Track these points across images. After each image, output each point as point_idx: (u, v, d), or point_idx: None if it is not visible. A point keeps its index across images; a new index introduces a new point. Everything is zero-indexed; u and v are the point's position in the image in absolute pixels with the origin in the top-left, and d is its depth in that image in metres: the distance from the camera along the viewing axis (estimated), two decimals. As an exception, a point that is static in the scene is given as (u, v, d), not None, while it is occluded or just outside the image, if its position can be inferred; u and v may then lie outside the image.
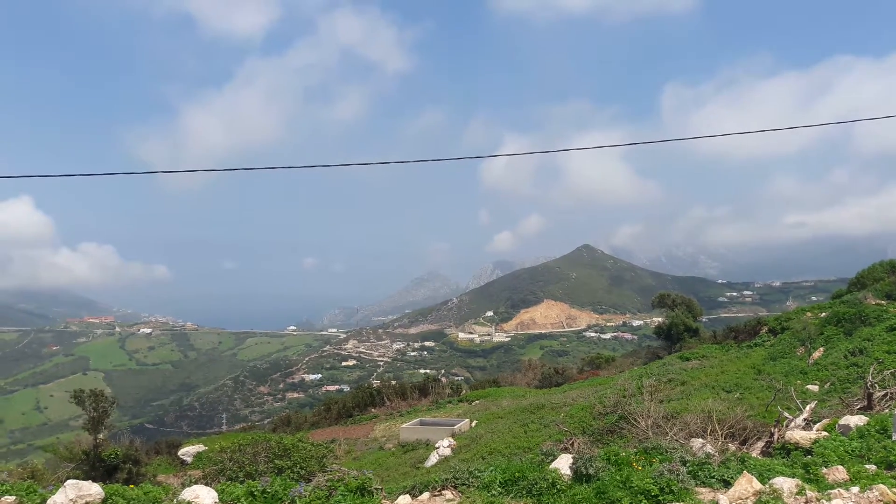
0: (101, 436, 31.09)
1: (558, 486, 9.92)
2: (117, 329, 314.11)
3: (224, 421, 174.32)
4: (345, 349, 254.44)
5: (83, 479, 9.77)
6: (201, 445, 41.51)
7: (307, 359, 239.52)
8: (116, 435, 45.73)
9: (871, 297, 40.11)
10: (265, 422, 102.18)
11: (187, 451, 40.73)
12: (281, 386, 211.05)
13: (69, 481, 9.55)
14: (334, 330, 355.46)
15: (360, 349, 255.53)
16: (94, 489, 9.45)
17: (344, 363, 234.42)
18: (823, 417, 13.64)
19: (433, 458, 31.39)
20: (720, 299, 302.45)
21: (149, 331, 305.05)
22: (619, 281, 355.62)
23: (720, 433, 14.57)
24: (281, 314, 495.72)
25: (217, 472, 19.46)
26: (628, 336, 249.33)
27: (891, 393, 14.06)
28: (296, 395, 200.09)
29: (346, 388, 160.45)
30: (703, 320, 76.22)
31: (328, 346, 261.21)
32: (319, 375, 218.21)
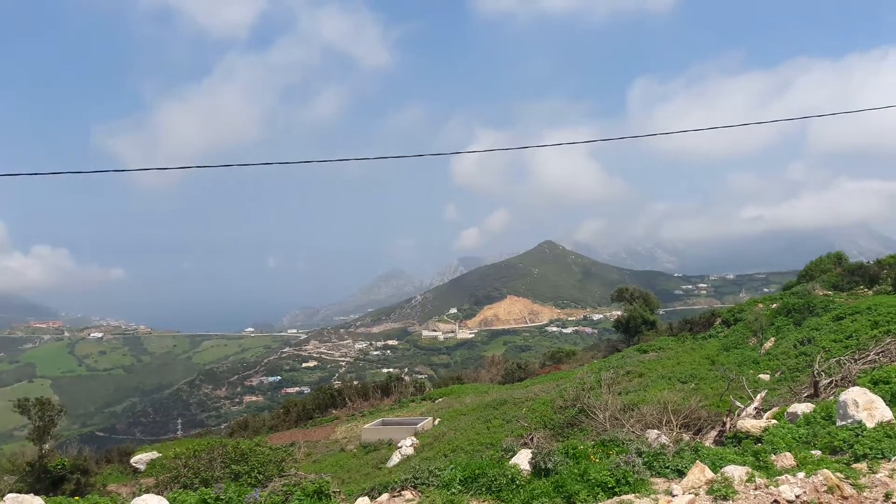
0: (46, 446, 30.33)
1: (517, 482, 10.01)
2: (66, 334, 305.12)
3: (179, 426, 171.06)
4: (305, 350, 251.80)
5: (26, 493, 9.49)
6: (155, 452, 40.68)
7: (266, 361, 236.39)
8: (64, 444, 44.59)
9: (819, 289, 41.33)
10: (222, 426, 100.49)
11: (140, 459, 39.88)
12: (238, 389, 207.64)
13: (9, 495, 9.24)
14: (294, 331, 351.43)
15: (321, 350, 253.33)
16: (36, 502, 9.21)
17: (304, 364, 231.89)
18: (773, 406, 14.01)
19: (395, 458, 31.38)
20: (677, 292, 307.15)
21: (100, 335, 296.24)
22: (580, 276, 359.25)
23: (675, 424, 14.86)
24: (239, 315, 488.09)
25: (171, 480, 19.14)
26: (589, 330, 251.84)
27: (836, 380, 14.50)
28: (254, 398, 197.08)
29: (307, 389, 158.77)
30: (661, 313, 77.54)
31: (288, 348, 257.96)
32: (279, 378, 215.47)
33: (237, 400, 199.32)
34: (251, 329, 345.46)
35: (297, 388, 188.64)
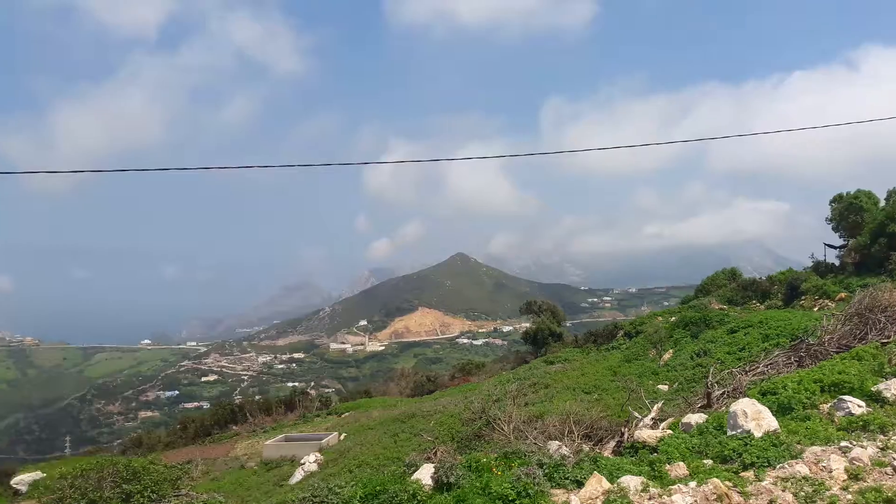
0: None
1: (419, 498, 9.89)
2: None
3: (67, 444, 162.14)
4: (205, 364, 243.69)
5: None
6: (39, 472, 38.25)
7: (163, 374, 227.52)
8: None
9: (714, 302, 43.25)
10: (115, 444, 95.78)
11: (22, 480, 37.35)
12: (133, 404, 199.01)
13: None
14: (194, 343, 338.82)
15: (223, 363, 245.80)
16: None
17: (204, 379, 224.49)
18: (669, 416, 14.46)
19: (298, 475, 30.63)
20: (583, 305, 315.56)
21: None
22: (491, 288, 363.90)
23: (577, 434, 15.11)
24: (135, 327, 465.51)
25: (55, 502, 17.95)
26: (499, 342, 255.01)
27: (728, 392, 15.12)
28: (150, 413, 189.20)
29: (206, 405, 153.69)
30: (567, 325, 79.34)
31: (187, 361, 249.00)
32: (176, 392, 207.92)
33: (132, 416, 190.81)
34: (148, 341, 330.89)
35: (195, 403, 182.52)
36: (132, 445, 53.34)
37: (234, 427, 50.61)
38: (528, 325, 67.04)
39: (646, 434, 11.60)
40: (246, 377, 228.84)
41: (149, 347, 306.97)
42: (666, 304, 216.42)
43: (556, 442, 13.34)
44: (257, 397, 67.12)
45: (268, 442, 39.54)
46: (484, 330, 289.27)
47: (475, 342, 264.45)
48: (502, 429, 18.68)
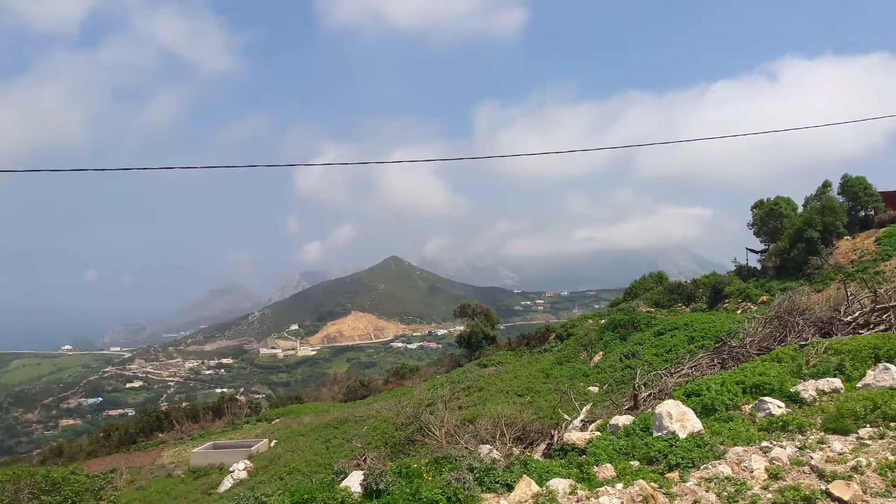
0: None
1: (348, 505, 9.71)
2: None
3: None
4: (129, 370, 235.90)
5: None
6: (-50, 486, 36.28)
7: (85, 381, 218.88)
8: None
9: (642, 305, 44.31)
10: (34, 453, 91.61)
11: (-67, 495, 35.40)
12: (54, 412, 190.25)
13: None
14: (117, 348, 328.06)
15: (148, 369, 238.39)
16: None
17: (128, 385, 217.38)
18: (598, 418, 14.67)
19: (227, 483, 30.00)
20: (516, 308, 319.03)
21: None
22: (426, 292, 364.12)
23: (508, 437, 15.16)
24: (55, 332, 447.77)
25: (-32, 516, 17.05)
26: (433, 345, 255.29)
27: (654, 393, 15.45)
28: (72, 421, 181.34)
29: (131, 412, 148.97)
30: (501, 328, 79.96)
31: (110, 367, 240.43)
32: (100, 399, 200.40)
33: (52, 424, 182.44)
34: (69, 347, 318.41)
35: (120, 411, 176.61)
36: (52, 455, 51.27)
37: (160, 434, 49.29)
38: (462, 328, 67.22)
39: (575, 436, 11.70)
40: (172, 383, 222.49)
41: (70, 353, 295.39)
42: (597, 306, 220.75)
43: (488, 446, 13.33)
44: (184, 404, 65.26)
45: (195, 449, 38.54)
46: (418, 333, 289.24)
47: (409, 346, 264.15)
48: (434, 433, 18.61)
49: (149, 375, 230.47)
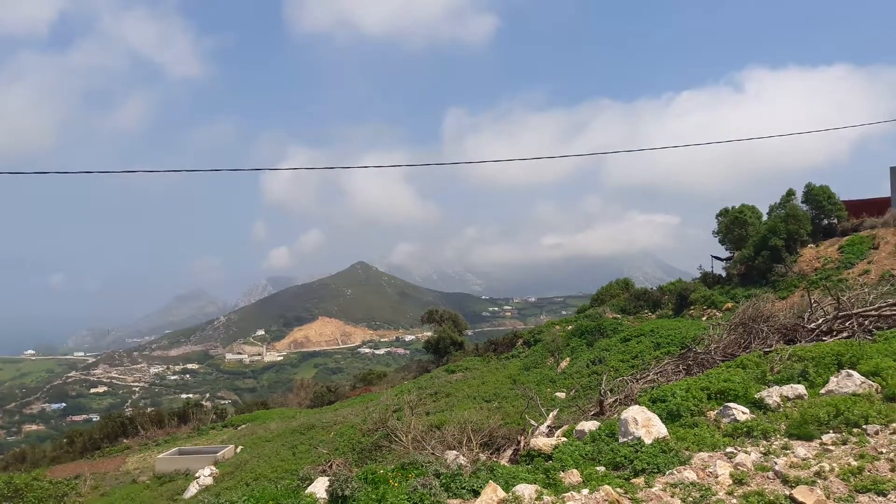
0: None
1: (312, 512, 9.56)
2: None
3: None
4: (94, 375, 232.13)
5: None
6: None
7: (49, 386, 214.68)
8: None
9: (609, 312, 44.60)
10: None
11: None
12: (17, 418, 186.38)
13: None
14: (81, 354, 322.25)
15: (112, 374, 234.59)
16: None
17: (93, 390, 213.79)
18: (565, 423, 14.67)
19: (193, 489, 29.57)
20: (484, 314, 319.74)
21: None
22: (393, 297, 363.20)
23: (475, 443, 15.10)
24: (17, 336, 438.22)
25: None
26: (401, 351, 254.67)
27: (620, 399, 15.51)
28: (34, 427, 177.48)
29: (96, 417, 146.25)
30: (469, 334, 79.95)
31: (74, 372, 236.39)
32: (63, 405, 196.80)
33: (14, 429, 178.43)
34: (31, 351, 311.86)
35: (84, 416, 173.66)
36: (15, 461, 50.33)
37: (124, 440, 48.61)
38: (430, 334, 67.11)
39: (541, 442, 11.67)
40: (137, 388, 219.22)
41: (33, 358, 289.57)
42: (564, 312, 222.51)
43: (455, 451, 13.25)
44: (149, 409, 64.17)
45: (160, 455, 38.04)
46: (386, 339, 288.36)
47: (377, 351, 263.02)
48: (401, 439, 18.48)
49: (113, 381, 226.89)
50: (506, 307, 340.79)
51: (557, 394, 29.05)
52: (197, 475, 31.04)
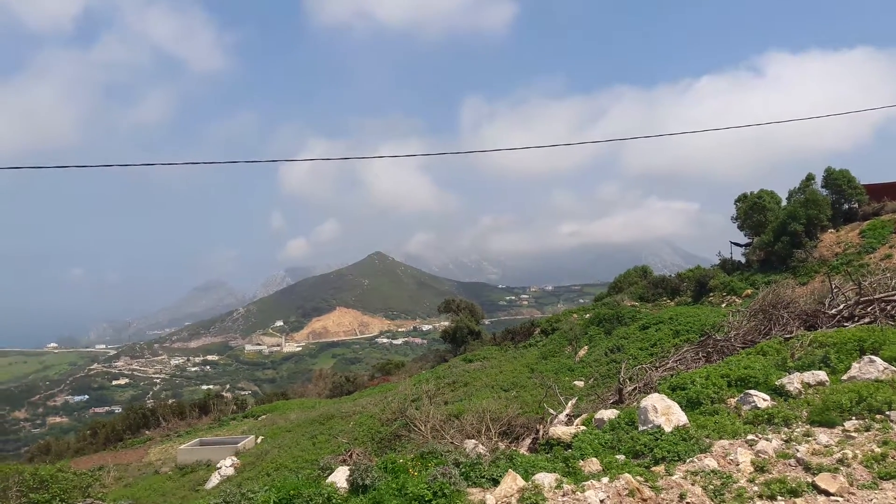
0: None
1: (334, 501, 9.60)
2: None
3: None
4: (115, 367, 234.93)
5: None
6: (-63, 485, 35.89)
7: (71, 379, 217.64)
8: None
9: (627, 300, 44.39)
10: (21, 451, 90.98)
11: (-84, 494, 34.96)
12: (41, 410, 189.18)
13: None
14: (103, 346, 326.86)
15: (133, 366, 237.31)
16: None
17: (115, 382, 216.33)
18: (584, 412, 14.65)
19: (214, 480, 29.85)
20: (501, 303, 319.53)
21: None
22: (410, 287, 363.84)
23: (494, 432, 15.11)
24: (40, 330, 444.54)
25: (-44, 514, 16.86)
26: (418, 340, 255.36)
27: (639, 387, 15.45)
28: (59, 419, 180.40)
29: (118, 409, 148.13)
30: (486, 323, 79.88)
31: (96, 364, 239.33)
32: (86, 397, 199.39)
33: (39, 422, 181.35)
34: (54, 344, 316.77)
35: (106, 408, 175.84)
36: (40, 453, 51.07)
37: (146, 432, 49.16)
38: (447, 323, 67.18)
39: (560, 430, 11.67)
40: (158, 380, 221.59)
41: (55, 351, 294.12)
42: (581, 301, 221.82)
43: (473, 441, 13.28)
44: (170, 401, 64.91)
45: (182, 446, 38.42)
46: (403, 329, 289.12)
47: (395, 341, 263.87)
48: (420, 429, 18.53)
49: (134, 373, 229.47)
50: (523, 296, 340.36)
51: (576, 382, 28.99)
52: (218, 466, 31.31)
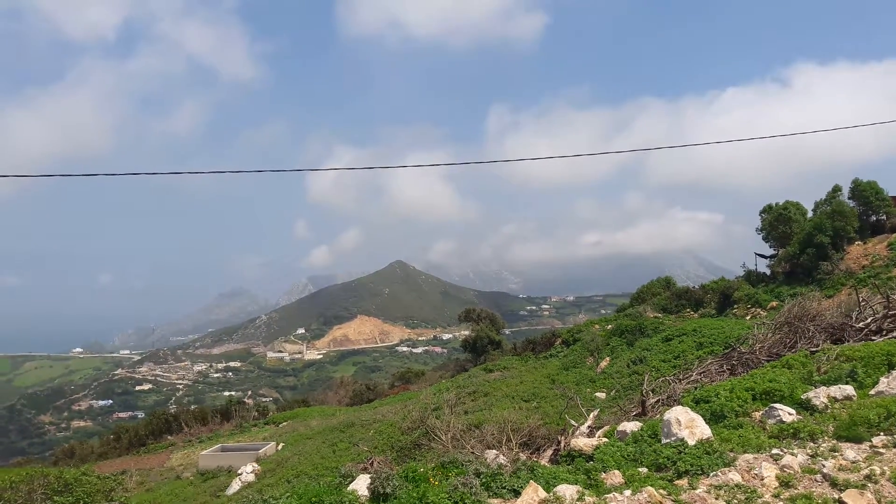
0: None
1: (354, 509, 9.65)
2: None
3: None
4: (139, 372, 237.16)
5: None
6: (-36, 487, 36.43)
7: (96, 384, 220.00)
8: None
9: (649, 311, 44.06)
10: (46, 454, 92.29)
11: (-55, 495, 35.51)
12: (66, 414, 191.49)
13: None
14: (127, 352, 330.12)
15: (157, 372, 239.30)
16: None
17: (138, 388, 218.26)
18: (606, 424, 14.56)
19: (235, 486, 30.01)
20: (522, 313, 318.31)
21: None
22: (431, 296, 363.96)
23: (515, 443, 15.08)
24: (67, 335, 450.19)
25: (-16, 515, 17.12)
26: (438, 349, 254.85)
27: (662, 399, 15.32)
28: (83, 423, 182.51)
29: (141, 414, 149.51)
30: (506, 333, 79.72)
31: (120, 370, 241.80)
32: (110, 401, 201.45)
33: (64, 426, 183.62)
34: (80, 349, 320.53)
35: (130, 413, 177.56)
36: (64, 456, 51.93)
37: (169, 437, 49.67)
38: (467, 332, 67.12)
39: (582, 442, 11.61)
40: (181, 386, 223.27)
41: (80, 356, 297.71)
42: (603, 311, 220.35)
43: (494, 451, 13.25)
44: (193, 407, 65.49)
45: (204, 452, 38.71)
46: (424, 338, 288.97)
47: (415, 350, 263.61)
48: (441, 438, 18.53)
49: (158, 378, 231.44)
50: (544, 306, 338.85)
51: (597, 394, 28.82)
52: (239, 472, 31.50)
